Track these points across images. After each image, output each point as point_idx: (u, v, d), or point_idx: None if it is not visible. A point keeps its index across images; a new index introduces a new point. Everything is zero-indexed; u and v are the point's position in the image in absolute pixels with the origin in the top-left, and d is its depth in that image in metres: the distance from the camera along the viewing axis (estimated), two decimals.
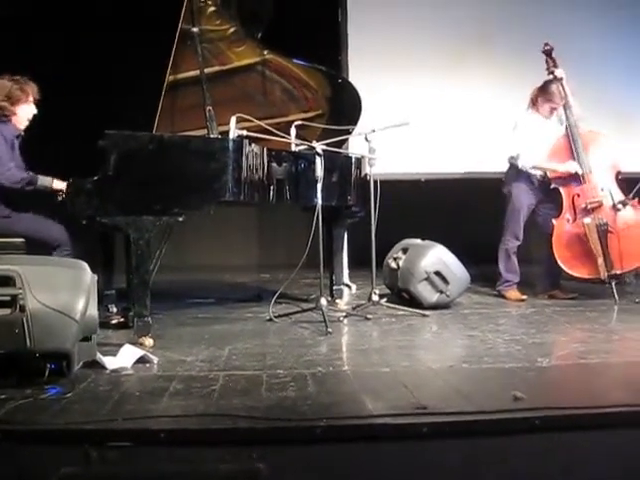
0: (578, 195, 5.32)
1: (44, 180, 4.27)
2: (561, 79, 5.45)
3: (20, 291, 2.95)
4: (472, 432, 2.54)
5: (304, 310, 4.75)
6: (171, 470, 2.33)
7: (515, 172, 5.47)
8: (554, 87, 5.40)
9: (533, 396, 2.77)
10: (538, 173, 5.43)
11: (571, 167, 5.30)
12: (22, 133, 4.47)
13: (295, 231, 6.66)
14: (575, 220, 5.31)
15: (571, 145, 5.36)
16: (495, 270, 5.57)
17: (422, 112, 6.60)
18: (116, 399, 2.87)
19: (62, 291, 3.04)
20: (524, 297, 5.40)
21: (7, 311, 2.94)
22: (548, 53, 5.57)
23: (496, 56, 6.96)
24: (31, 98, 4.46)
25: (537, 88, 5.49)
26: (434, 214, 7.03)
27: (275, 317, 4.61)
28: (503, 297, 5.48)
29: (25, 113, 4.47)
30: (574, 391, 3.12)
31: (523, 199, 5.45)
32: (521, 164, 5.38)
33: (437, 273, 4.98)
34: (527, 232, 5.51)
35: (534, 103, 5.48)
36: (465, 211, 7.26)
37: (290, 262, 5.15)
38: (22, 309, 2.93)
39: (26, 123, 4.49)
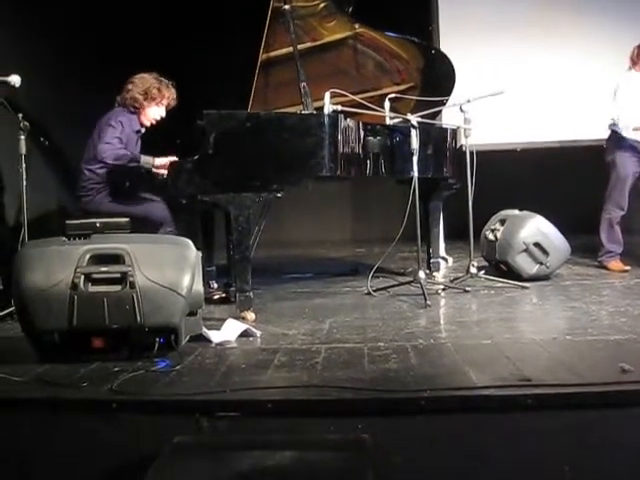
0: None
1: (146, 158, 4.41)
2: None
3: (129, 268, 3.04)
4: (579, 404, 2.50)
5: (402, 283, 4.75)
6: (279, 439, 2.38)
7: (618, 140, 5.28)
8: None
9: None
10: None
11: None
12: (143, 130, 4.61)
13: (389, 205, 6.68)
14: None
15: None
16: (595, 240, 5.43)
17: (516, 80, 6.48)
18: (223, 371, 2.95)
19: (169, 268, 3.12)
20: (627, 268, 5.25)
21: (118, 288, 3.04)
22: None
23: (590, 22, 6.78)
24: (165, 102, 4.61)
25: (637, 46, 5.26)
26: (531, 184, 6.93)
27: (373, 291, 4.63)
28: (605, 268, 5.34)
29: (154, 113, 4.62)
30: None
31: (629, 167, 5.26)
32: (622, 124, 5.18)
33: (536, 244, 4.89)
34: (629, 201, 5.33)
35: (635, 62, 5.26)
36: (563, 180, 7.12)
37: (384, 236, 5.17)
38: (132, 286, 3.02)
39: (152, 122, 4.63)
